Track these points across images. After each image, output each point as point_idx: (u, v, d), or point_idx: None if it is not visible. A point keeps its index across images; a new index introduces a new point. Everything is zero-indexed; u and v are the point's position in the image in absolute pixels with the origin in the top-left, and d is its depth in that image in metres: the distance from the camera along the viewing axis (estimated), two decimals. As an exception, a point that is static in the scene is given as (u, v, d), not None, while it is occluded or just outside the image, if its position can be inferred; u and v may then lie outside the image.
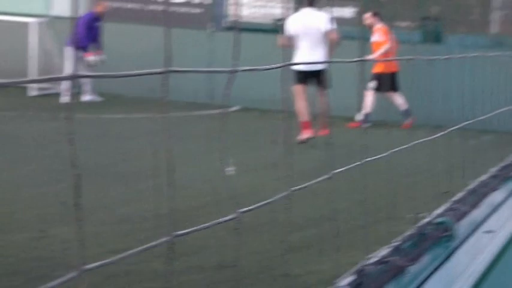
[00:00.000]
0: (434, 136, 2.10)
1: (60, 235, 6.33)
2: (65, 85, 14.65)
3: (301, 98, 11.75)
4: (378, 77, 13.15)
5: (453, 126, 2.29)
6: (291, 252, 6.15)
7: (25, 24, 15.61)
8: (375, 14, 14.29)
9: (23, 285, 5.21)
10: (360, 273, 1.37)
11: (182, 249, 5.98)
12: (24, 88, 15.27)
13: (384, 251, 1.55)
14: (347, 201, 5.04)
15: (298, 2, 15.34)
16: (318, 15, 12.22)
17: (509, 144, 3.11)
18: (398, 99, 13.66)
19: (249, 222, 6.55)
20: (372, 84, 13.27)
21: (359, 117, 13.05)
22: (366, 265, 1.39)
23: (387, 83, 13.08)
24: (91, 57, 14.63)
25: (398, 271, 1.53)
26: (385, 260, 1.51)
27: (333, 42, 11.82)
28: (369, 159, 1.53)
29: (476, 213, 2.09)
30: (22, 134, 11.42)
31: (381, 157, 1.67)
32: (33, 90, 15.37)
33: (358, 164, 1.48)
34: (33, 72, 15.18)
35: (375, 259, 1.49)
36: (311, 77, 11.62)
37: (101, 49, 14.90)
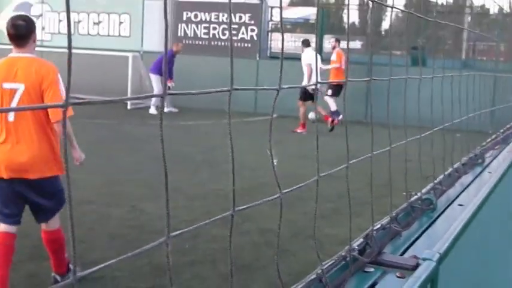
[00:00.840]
0: (424, 134, 2.06)
1: (146, 209, 6.38)
2: (154, 100, 14.90)
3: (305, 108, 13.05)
4: (333, 86, 13.66)
5: (436, 127, 2.24)
6: (312, 220, 6.10)
7: (125, 57, 15.81)
8: (337, 40, 14.43)
9: (123, 245, 5.26)
10: (367, 237, 1.34)
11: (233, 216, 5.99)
12: (125, 103, 15.47)
13: (384, 220, 1.52)
14: (359, 182, 4.99)
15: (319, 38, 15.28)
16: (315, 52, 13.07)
17: (475, 140, 3.06)
18: (334, 103, 13.81)
19: (284, 198, 6.51)
20: (329, 91, 13.60)
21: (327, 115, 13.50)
22: (371, 231, 1.36)
23: (336, 90, 13.57)
24: (169, 84, 14.87)
25: (395, 235, 1.49)
26: (385, 226, 1.48)
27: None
28: (375, 152, 1.49)
29: (452, 192, 2.05)
30: (123, 136, 11.54)
31: (384, 151, 1.63)
32: (130, 105, 15.55)
33: (367, 156, 1.46)
34: (130, 91, 15.40)
35: (378, 226, 1.46)
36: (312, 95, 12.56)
37: (173, 78, 15.00)
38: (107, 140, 10.73)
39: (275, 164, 1.02)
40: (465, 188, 2.08)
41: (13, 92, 4.07)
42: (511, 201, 2.91)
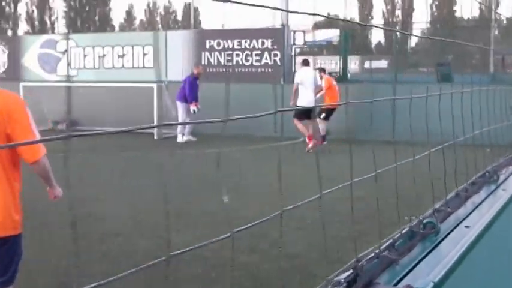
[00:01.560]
0: (433, 150, 1.99)
1: (173, 240, 6.32)
2: (179, 129, 14.99)
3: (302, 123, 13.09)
4: (325, 111, 13.67)
5: (450, 142, 2.17)
6: (340, 243, 6.01)
7: (151, 88, 16.00)
8: (321, 70, 14.72)
9: (150, 277, 5.18)
10: (355, 268, 1.28)
11: (261, 243, 5.92)
12: (152, 133, 15.54)
13: (377, 248, 1.46)
14: (387, 203, 4.86)
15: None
16: (313, 72, 13.94)
17: (504, 155, 2.96)
18: (324, 125, 13.82)
19: (311, 222, 6.46)
20: (322, 115, 13.72)
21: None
22: (360, 260, 1.30)
23: (328, 115, 13.62)
24: (193, 108, 14.95)
25: (390, 264, 1.43)
26: (379, 255, 1.42)
27: (320, 90, 13.71)
28: (379, 170, 1.44)
29: (462, 212, 1.97)
30: (150, 166, 11.58)
31: (389, 168, 1.58)
32: (157, 135, 15.62)
33: (371, 175, 1.41)
34: (157, 122, 15.45)
35: (370, 255, 1.40)
36: (308, 112, 12.37)
37: (198, 101, 15.10)
38: (134, 171, 10.80)
39: (225, 201, 0.99)
40: (475, 208, 1.99)
41: None
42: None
